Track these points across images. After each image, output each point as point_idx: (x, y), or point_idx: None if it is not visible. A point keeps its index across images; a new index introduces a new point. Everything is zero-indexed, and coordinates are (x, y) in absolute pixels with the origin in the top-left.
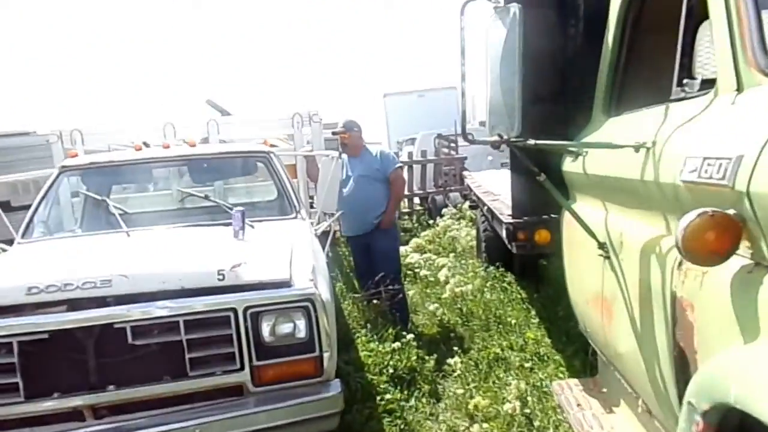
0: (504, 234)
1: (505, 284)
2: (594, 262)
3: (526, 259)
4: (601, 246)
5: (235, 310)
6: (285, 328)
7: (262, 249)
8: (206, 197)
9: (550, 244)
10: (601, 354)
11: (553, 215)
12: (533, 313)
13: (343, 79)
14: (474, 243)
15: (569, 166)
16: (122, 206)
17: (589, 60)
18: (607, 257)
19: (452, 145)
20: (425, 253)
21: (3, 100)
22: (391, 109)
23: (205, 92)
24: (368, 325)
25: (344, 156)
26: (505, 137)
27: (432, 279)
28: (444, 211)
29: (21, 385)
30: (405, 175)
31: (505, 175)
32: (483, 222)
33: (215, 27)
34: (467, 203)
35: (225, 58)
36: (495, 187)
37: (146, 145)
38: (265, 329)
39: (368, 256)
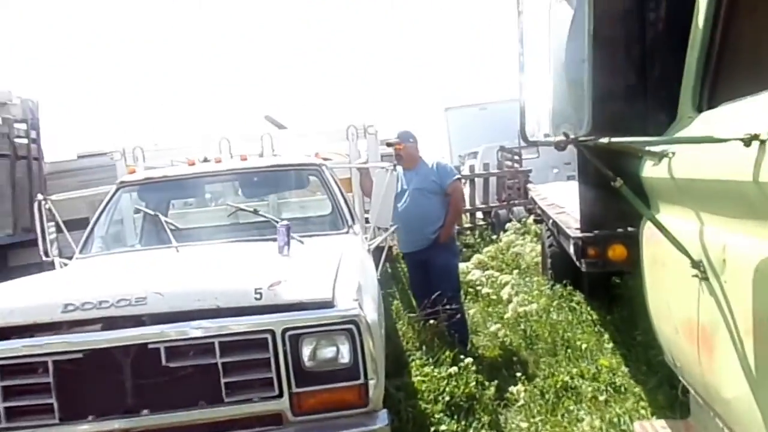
0: (572, 250)
1: (573, 304)
2: (686, 283)
3: (597, 277)
4: (696, 265)
5: (272, 332)
6: (327, 352)
7: (305, 266)
8: (255, 211)
9: (626, 262)
10: (696, 393)
11: (630, 228)
12: (606, 337)
13: (402, 92)
14: (539, 259)
15: (651, 170)
16: (179, 221)
17: (672, 46)
18: (705, 278)
19: (516, 158)
20: (487, 269)
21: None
22: (453, 122)
23: (263, 107)
24: (424, 347)
25: (399, 168)
26: (572, 136)
27: (494, 297)
28: (508, 225)
29: (56, 406)
30: (467, 189)
31: (572, 186)
32: (548, 237)
33: (274, 41)
34: (532, 217)
35: (282, 71)
36: (561, 199)
37: (206, 160)
38: (306, 353)
39: (425, 273)
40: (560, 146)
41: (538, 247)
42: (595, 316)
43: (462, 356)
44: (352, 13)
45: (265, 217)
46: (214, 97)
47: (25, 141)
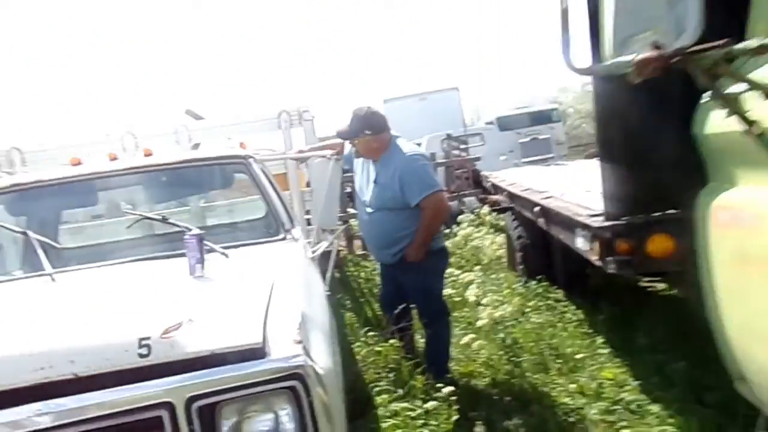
0: (582, 245)
1: (550, 302)
2: None
3: (572, 267)
4: None
5: (170, 405)
6: (260, 424)
7: (223, 293)
8: (163, 219)
9: (671, 257)
10: None
11: (673, 211)
12: (599, 341)
13: (341, 81)
14: (502, 253)
15: None
16: (67, 237)
17: None
18: None
19: (462, 146)
20: None
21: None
22: (393, 114)
23: (191, 101)
24: (390, 374)
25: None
26: (673, 47)
27: (458, 299)
28: (460, 218)
29: None
30: None
31: (542, 170)
32: (516, 227)
33: (206, 28)
34: (485, 207)
35: (214, 62)
36: (540, 183)
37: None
38: (226, 430)
39: (398, 288)
40: (648, 70)
41: (499, 239)
42: (581, 315)
43: (439, 386)
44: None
45: (175, 225)
46: (134, 88)
47: None
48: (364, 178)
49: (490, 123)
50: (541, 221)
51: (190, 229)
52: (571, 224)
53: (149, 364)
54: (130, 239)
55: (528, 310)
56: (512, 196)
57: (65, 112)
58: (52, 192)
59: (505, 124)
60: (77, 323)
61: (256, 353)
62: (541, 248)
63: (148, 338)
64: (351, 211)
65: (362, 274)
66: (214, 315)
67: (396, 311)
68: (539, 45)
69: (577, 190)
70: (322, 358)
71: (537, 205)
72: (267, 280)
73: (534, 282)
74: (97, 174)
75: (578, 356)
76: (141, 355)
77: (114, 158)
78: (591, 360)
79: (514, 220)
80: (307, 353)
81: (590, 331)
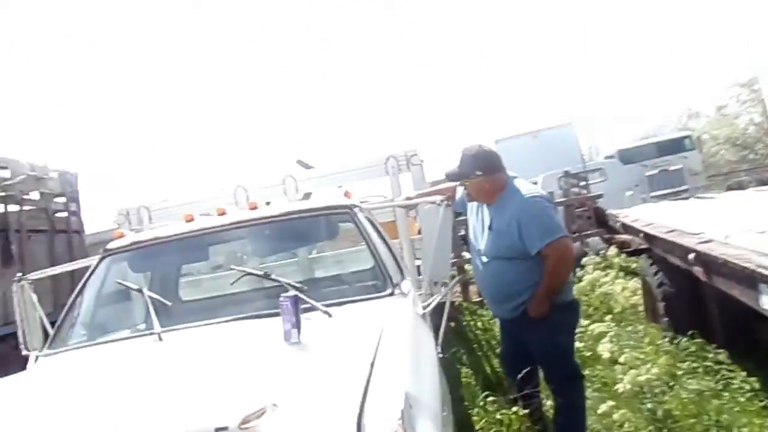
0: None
1: (709, 363)
2: None
3: (733, 321)
4: None
5: None
6: None
7: (318, 368)
8: (265, 275)
9: None
10: None
11: None
12: None
13: (450, 121)
14: (638, 300)
15: None
16: (188, 290)
17: None
18: None
19: (582, 183)
20: None
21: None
22: (506, 154)
23: (302, 150)
24: None
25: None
26: None
27: (588, 354)
28: (584, 260)
29: None
30: None
31: (687, 206)
32: (655, 274)
33: (314, 75)
34: (612, 248)
35: (313, 109)
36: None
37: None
38: None
39: (519, 345)
40: None
41: (631, 284)
42: (755, 384)
43: None
44: (390, 41)
45: (276, 281)
46: (242, 148)
47: (64, 214)
48: (479, 224)
49: (611, 157)
50: (697, 270)
51: (293, 286)
52: (751, 278)
53: None
54: (239, 293)
55: (680, 373)
56: (650, 238)
57: (179, 165)
58: (165, 249)
59: (628, 156)
60: (157, 402)
61: None
62: (690, 297)
63: (226, 429)
64: (466, 255)
65: (479, 324)
66: (303, 398)
67: (520, 375)
68: (659, 69)
69: (744, 230)
70: None
71: (692, 251)
72: (369, 349)
73: (684, 338)
74: (205, 230)
75: None
76: None
77: (222, 213)
78: None
79: (652, 264)
80: None
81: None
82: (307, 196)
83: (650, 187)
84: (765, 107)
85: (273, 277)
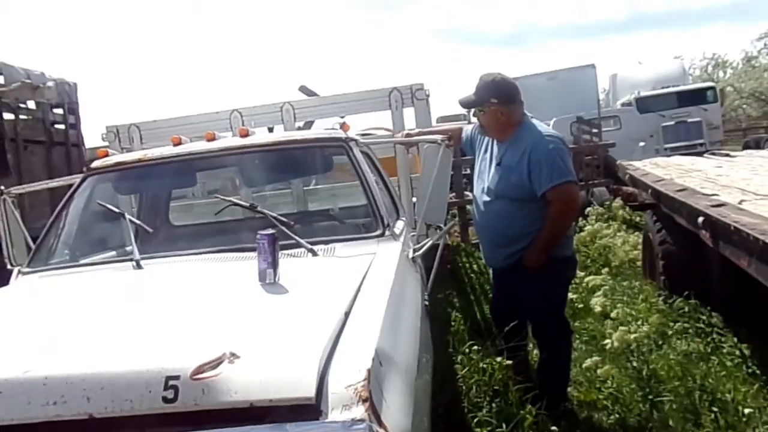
0: None
1: (701, 325)
2: None
3: (735, 286)
4: None
5: None
6: None
7: (288, 313)
8: (251, 206)
9: None
10: None
11: None
12: None
13: (458, 64)
14: (637, 255)
15: None
16: (178, 215)
17: None
18: None
19: (594, 130)
20: None
21: None
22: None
23: (300, 78)
24: (495, 401)
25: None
26: None
27: (580, 306)
28: (588, 210)
29: None
30: None
31: (703, 163)
32: (659, 231)
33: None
34: (617, 200)
35: (318, 29)
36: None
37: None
38: None
39: (512, 296)
40: None
41: (633, 239)
42: (746, 351)
43: (551, 425)
44: None
45: (261, 213)
46: (245, 71)
47: (62, 126)
48: (487, 160)
49: (628, 104)
50: (704, 235)
51: (281, 221)
52: (764, 251)
53: (175, 410)
54: (229, 221)
55: (670, 332)
56: (658, 195)
57: (179, 86)
58: (149, 172)
59: (646, 105)
60: (114, 341)
61: (307, 410)
62: (691, 258)
63: (177, 377)
64: (468, 195)
65: (474, 267)
66: (266, 348)
67: (508, 327)
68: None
69: (759, 197)
70: (398, 418)
71: (701, 214)
72: (347, 297)
73: (679, 298)
74: (191, 155)
75: (744, 409)
76: (165, 399)
77: (211, 138)
78: (765, 416)
79: (656, 221)
80: (376, 415)
81: (759, 373)
82: (308, 124)
83: (665, 139)
84: None
85: (259, 209)
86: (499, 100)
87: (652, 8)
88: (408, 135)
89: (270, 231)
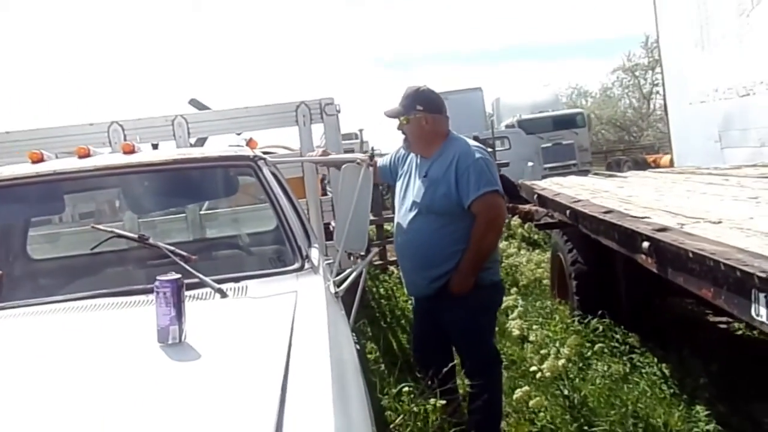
0: None
1: (615, 344)
2: None
3: (639, 301)
4: None
5: None
6: None
7: (204, 393)
8: (141, 238)
9: None
10: None
11: None
12: (699, 409)
13: (352, 80)
14: (543, 274)
15: None
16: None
17: None
18: None
19: (489, 150)
20: None
21: None
22: None
23: (200, 92)
24: None
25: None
26: None
27: (496, 329)
28: None
29: None
30: None
31: (603, 183)
32: (570, 251)
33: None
34: (515, 218)
35: (225, 46)
36: (613, 200)
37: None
38: None
39: (434, 327)
40: None
41: (535, 257)
42: (665, 369)
43: None
44: None
45: (155, 246)
46: (130, 84)
47: None
48: (410, 176)
49: (511, 126)
50: (648, 261)
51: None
52: (740, 282)
53: None
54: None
55: (588, 353)
56: (577, 216)
57: (54, 101)
58: (1, 196)
59: (527, 127)
60: None
61: None
62: (603, 277)
63: None
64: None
65: (381, 290)
66: None
67: (433, 363)
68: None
69: (694, 219)
70: None
71: (646, 239)
72: (278, 360)
73: (593, 318)
74: (57, 174)
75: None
76: None
77: (85, 154)
78: None
79: (567, 240)
80: None
81: (679, 392)
82: (201, 141)
83: (544, 159)
84: (642, 92)
85: (152, 242)
86: (424, 107)
87: (521, 41)
88: (325, 153)
89: (173, 276)
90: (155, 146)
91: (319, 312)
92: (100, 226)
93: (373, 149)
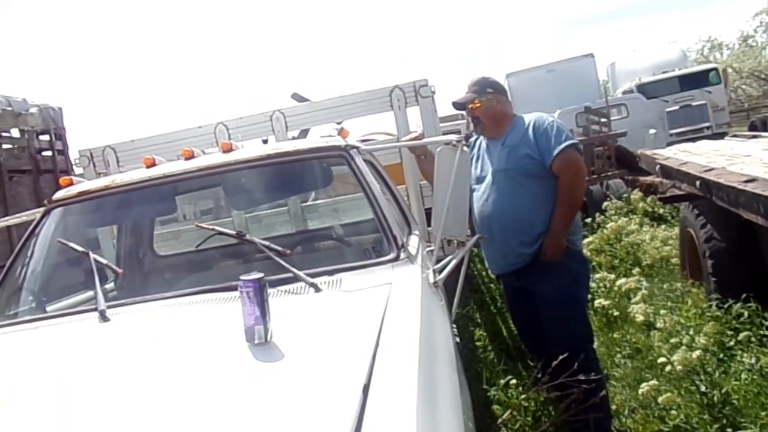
0: None
1: (764, 331)
2: None
3: None
4: None
5: None
6: None
7: (287, 396)
8: (238, 235)
9: None
10: None
11: None
12: None
13: (452, 60)
14: (671, 252)
15: None
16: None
17: None
18: None
19: (603, 120)
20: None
21: None
22: (517, 89)
23: (293, 85)
24: None
25: (481, 141)
26: None
27: (617, 314)
28: (605, 205)
29: None
30: None
31: (741, 147)
32: (703, 226)
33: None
34: (636, 191)
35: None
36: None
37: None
38: None
39: (531, 308)
40: None
41: (661, 233)
42: None
43: None
44: None
45: (251, 242)
46: (234, 84)
47: (49, 153)
48: (482, 160)
49: (629, 91)
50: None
51: (273, 248)
52: None
53: None
54: (217, 248)
55: (731, 343)
56: (710, 186)
57: (162, 105)
58: (119, 200)
59: (650, 91)
60: None
61: None
62: (746, 255)
63: None
64: None
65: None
66: None
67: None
68: None
69: None
70: None
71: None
72: (363, 359)
73: (738, 303)
74: (165, 177)
75: None
76: None
77: (189, 156)
78: None
79: (699, 215)
80: None
81: None
82: (303, 133)
83: (670, 124)
84: None
85: (247, 237)
86: (494, 90)
87: None
88: (418, 138)
89: (255, 275)
90: (265, 141)
91: (413, 305)
92: (204, 224)
93: (469, 128)
